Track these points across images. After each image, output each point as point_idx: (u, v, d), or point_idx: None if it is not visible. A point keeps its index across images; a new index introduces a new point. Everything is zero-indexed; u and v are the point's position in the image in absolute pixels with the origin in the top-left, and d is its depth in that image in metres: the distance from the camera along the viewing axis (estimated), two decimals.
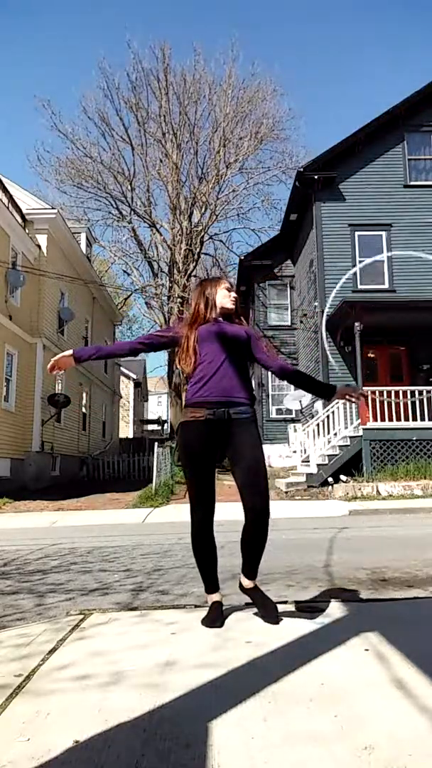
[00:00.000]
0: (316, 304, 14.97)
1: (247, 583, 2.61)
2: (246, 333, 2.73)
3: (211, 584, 2.66)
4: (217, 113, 21.94)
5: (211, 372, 2.56)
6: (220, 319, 2.73)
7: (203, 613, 2.61)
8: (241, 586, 2.65)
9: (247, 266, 19.11)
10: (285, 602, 2.90)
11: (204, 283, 2.84)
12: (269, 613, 2.51)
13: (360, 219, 14.97)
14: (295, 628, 2.38)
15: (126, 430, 35.13)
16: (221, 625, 2.49)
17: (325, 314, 14.40)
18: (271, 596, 2.62)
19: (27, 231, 15.97)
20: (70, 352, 2.64)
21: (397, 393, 12.39)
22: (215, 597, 2.63)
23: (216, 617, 2.53)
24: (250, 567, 2.58)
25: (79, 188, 22.03)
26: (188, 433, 2.56)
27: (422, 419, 12.08)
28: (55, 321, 17.82)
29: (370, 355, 14.26)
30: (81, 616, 2.75)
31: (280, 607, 2.63)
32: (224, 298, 2.74)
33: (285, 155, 22.36)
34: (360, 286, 14.64)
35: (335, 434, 12.61)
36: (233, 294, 2.78)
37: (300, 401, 15.78)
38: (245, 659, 2.06)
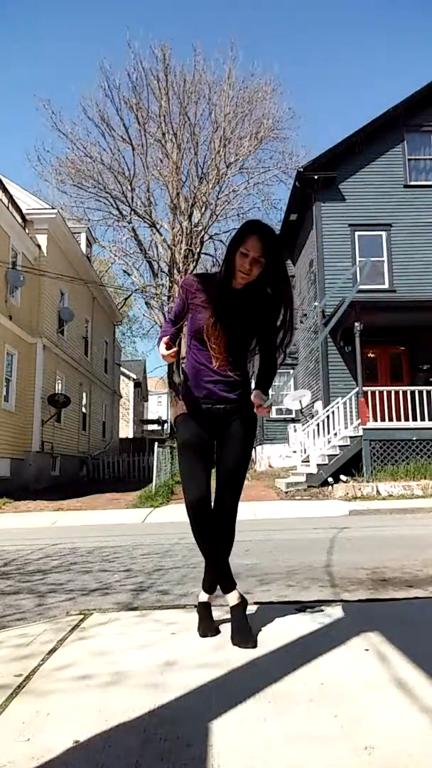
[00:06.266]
0: (316, 304, 14.98)
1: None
2: None
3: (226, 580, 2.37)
4: (217, 113, 21.94)
5: None
6: None
7: None
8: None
9: None
10: (285, 602, 2.89)
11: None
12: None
13: (360, 219, 14.97)
14: (295, 628, 2.37)
15: (126, 430, 35.12)
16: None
17: (324, 314, 14.40)
18: (271, 596, 2.62)
19: (27, 231, 15.97)
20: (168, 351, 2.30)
21: (396, 393, 12.40)
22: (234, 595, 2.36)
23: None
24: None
25: (79, 188, 22.01)
26: None
27: (422, 419, 12.09)
28: (55, 321, 17.82)
29: (370, 355, 14.26)
30: (81, 616, 2.75)
31: (281, 607, 2.63)
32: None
33: (285, 155, 22.35)
34: (360, 286, 14.62)
35: (335, 434, 12.61)
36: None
37: (300, 401, 15.76)
38: (245, 659, 2.06)
